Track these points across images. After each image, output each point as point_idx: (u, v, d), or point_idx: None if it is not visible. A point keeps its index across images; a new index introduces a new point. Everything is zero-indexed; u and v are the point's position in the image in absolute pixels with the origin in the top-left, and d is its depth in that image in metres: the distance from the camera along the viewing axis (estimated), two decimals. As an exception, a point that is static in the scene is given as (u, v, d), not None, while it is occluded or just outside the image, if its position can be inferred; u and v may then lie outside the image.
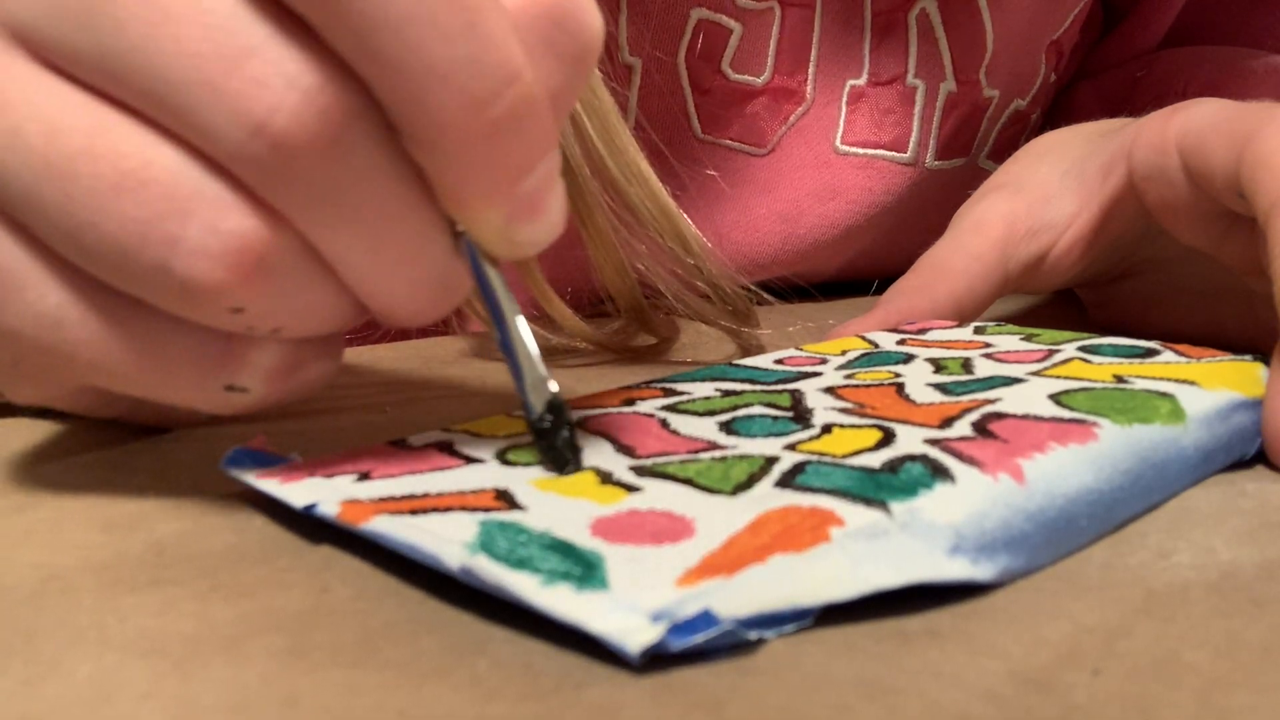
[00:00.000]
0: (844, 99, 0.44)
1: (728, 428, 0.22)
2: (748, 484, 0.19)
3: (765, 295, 0.38)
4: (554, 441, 0.20)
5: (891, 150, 0.45)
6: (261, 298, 0.18)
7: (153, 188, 0.17)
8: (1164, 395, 0.23)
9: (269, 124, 0.17)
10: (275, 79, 0.17)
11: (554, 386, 0.20)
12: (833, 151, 0.44)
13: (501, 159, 0.18)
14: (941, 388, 0.24)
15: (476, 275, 0.20)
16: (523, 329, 0.20)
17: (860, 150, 0.45)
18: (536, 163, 0.18)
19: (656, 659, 0.15)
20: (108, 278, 0.18)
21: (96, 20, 0.17)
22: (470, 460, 0.20)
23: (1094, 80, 0.54)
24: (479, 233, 0.19)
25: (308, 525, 0.20)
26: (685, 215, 0.34)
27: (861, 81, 0.44)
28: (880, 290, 0.34)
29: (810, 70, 0.43)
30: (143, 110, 0.17)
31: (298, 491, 0.19)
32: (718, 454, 0.20)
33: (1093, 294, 0.38)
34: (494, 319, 0.20)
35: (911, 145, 0.45)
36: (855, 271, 0.47)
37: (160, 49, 0.17)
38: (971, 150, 0.48)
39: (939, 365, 0.26)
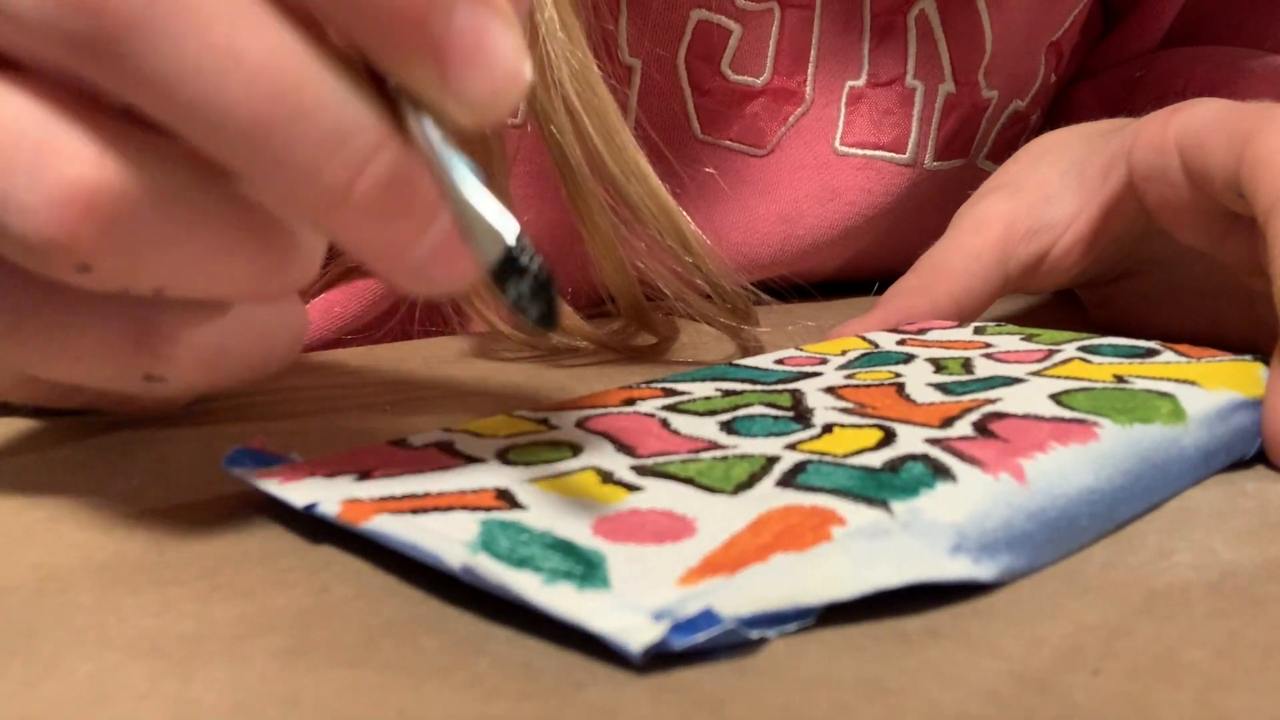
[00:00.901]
0: (843, 100, 0.44)
1: (728, 427, 0.22)
2: (749, 483, 0.19)
3: (764, 295, 0.38)
4: (518, 291, 0.16)
5: (890, 151, 0.45)
6: (108, 253, 0.16)
7: None
8: (1164, 395, 0.23)
9: None
10: None
11: (512, 228, 0.16)
12: (832, 153, 0.44)
13: None
14: (942, 388, 0.24)
15: (422, 140, 0.16)
16: (468, 173, 0.16)
17: (859, 151, 0.45)
18: None
19: (657, 658, 0.15)
20: None
21: None
22: (471, 460, 0.20)
23: (1093, 80, 0.54)
24: (417, 95, 0.16)
25: (308, 525, 0.20)
26: (685, 214, 0.34)
27: (861, 82, 0.44)
28: (880, 290, 0.34)
29: (809, 71, 0.43)
30: None
31: (298, 491, 0.19)
32: (719, 454, 0.20)
33: (1093, 294, 0.38)
34: (436, 169, 0.17)
35: (910, 146, 0.45)
36: (854, 271, 0.47)
37: None
38: (970, 151, 0.48)
39: (939, 365, 0.26)
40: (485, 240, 0.16)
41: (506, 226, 0.16)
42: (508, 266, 0.16)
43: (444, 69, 0.16)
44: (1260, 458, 0.23)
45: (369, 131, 0.15)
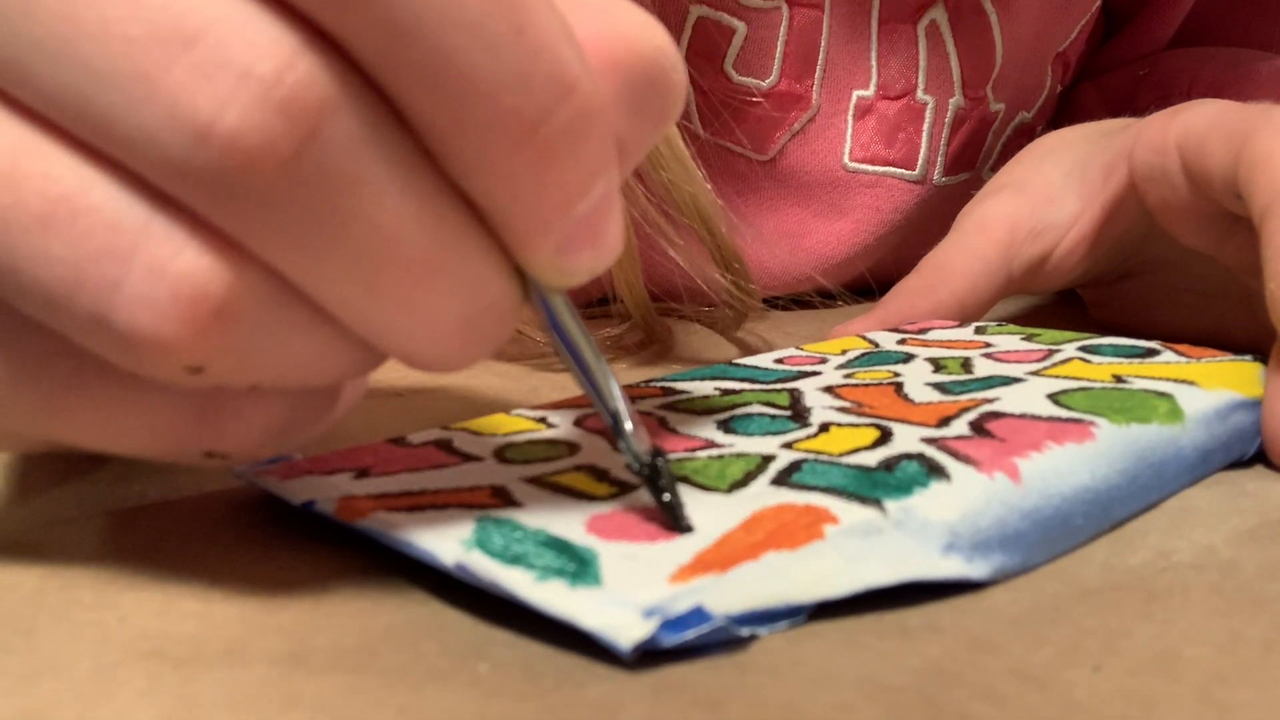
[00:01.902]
0: (851, 111, 0.43)
1: (725, 426, 0.22)
2: (744, 482, 0.19)
3: (770, 311, 0.38)
4: (660, 495, 0.17)
5: (900, 167, 0.44)
6: (225, 354, 0.15)
7: (87, 220, 0.14)
8: (1162, 395, 0.22)
9: (216, 126, 0.13)
10: (225, 66, 0.13)
11: (645, 444, 0.18)
12: (841, 168, 0.44)
13: (554, 182, 0.15)
14: (940, 387, 0.24)
15: (547, 315, 0.17)
16: (604, 384, 0.17)
17: (869, 167, 0.44)
18: (593, 185, 0.15)
19: (656, 657, 0.15)
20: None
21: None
22: (469, 458, 0.20)
23: (1097, 80, 0.54)
24: (525, 263, 0.16)
25: (308, 522, 0.20)
26: (710, 188, 0.33)
27: (869, 93, 0.43)
28: (883, 292, 0.34)
29: (817, 76, 0.43)
30: (62, 123, 0.14)
31: (296, 488, 0.19)
32: (715, 452, 0.20)
33: (1094, 293, 0.38)
34: (577, 368, 0.17)
35: (920, 162, 0.45)
36: (859, 283, 0.47)
37: (80, 33, 0.13)
38: (977, 164, 0.47)
39: (938, 365, 0.26)
40: (633, 442, 0.17)
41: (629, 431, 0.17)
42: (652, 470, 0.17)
43: (563, 248, 0.16)
44: (1260, 458, 0.23)
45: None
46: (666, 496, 0.17)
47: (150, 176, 0.14)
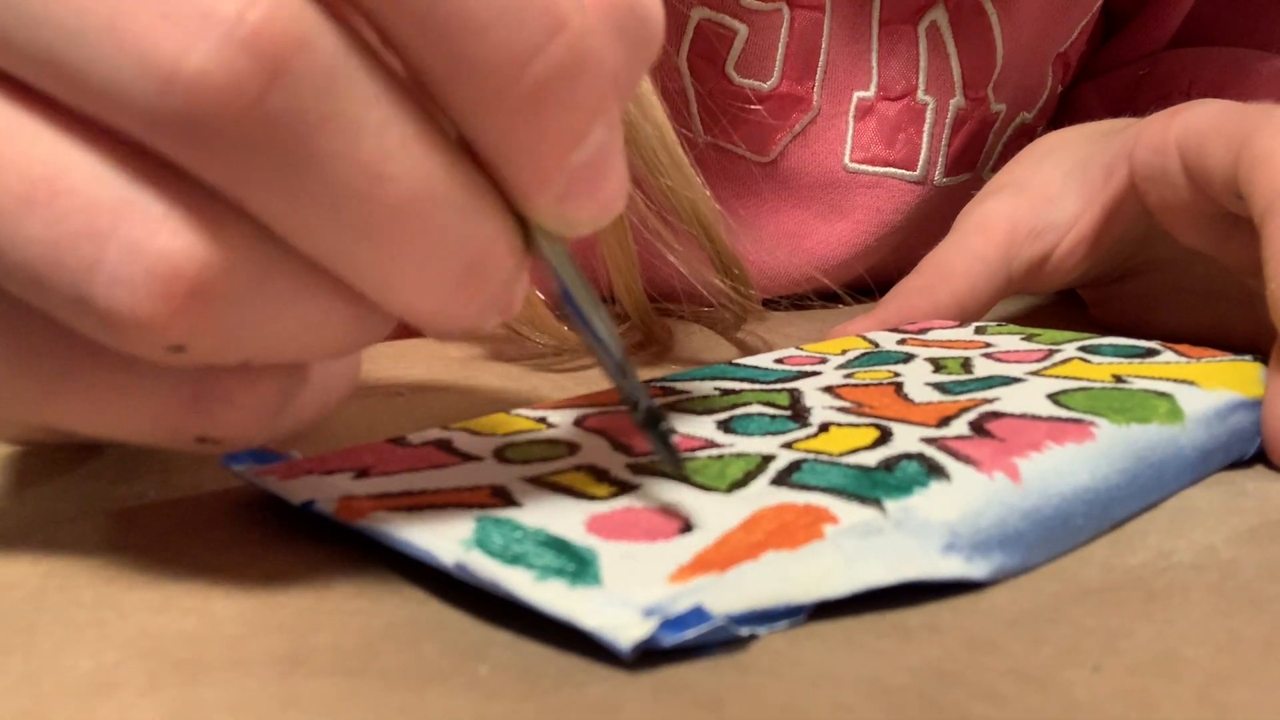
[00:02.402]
0: (851, 112, 0.43)
1: (725, 426, 0.22)
2: (743, 482, 0.19)
3: (764, 312, 0.38)
4: (662, 440, 0.18)
5: (901, 168, 0.44)
6: (206, 332, 0.14)
7: (66, 200, 0.14)
8: (1162, 395, 0.22)
9: (181, 68, 0.13)
10: (188, 7, 0.13)
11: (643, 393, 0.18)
12: (841, 169, 0.44)
13: (551, 124, 0.15)
14: (940, 387, 0.24)
15: (548, 266, 0.17)
16: (603, 334, 0.17)
17: (870, 168, 0.44)
18: (590, 128, 0.15)
19: (656, 658, 0.15)
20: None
21: None
22: (469, 457, 0.20)
23: (1097, 80, 0.54)
24: (527, 211, 0.16)
25: (308, 522, 0.20)
26: (706, 188, 0.33)
27: (870, 94, 0.43)
28: (883, 292, 0.34)
29: (818, 77, 0.42)
30: (38, 84, 0.14)
31: (296, 488, 0.19)
32: (714, 452, 0.20)
33: (1094, 293, 0.38)
34: (577, 317, 0.17)
35: (921, 163, 0.45)
36: (860, 284, 0.47)
37: None
38: (978, 165, 0.47)
39: (939, 365, 0.26)
40: (634, 390, 0.17)
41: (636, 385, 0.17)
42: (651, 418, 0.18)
43: (565, 196, 0.15)
44: (1260, 458, 0.23)
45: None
46: (672, 438, 0.17)
47: (126, 130, 0.14)
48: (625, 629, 0.14)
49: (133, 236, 0.14)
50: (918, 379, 0.25)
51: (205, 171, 0.14)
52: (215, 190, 0.14)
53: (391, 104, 0.14)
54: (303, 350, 0.16)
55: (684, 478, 0.17)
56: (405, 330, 0.39)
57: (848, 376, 0.26)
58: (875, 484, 0.18)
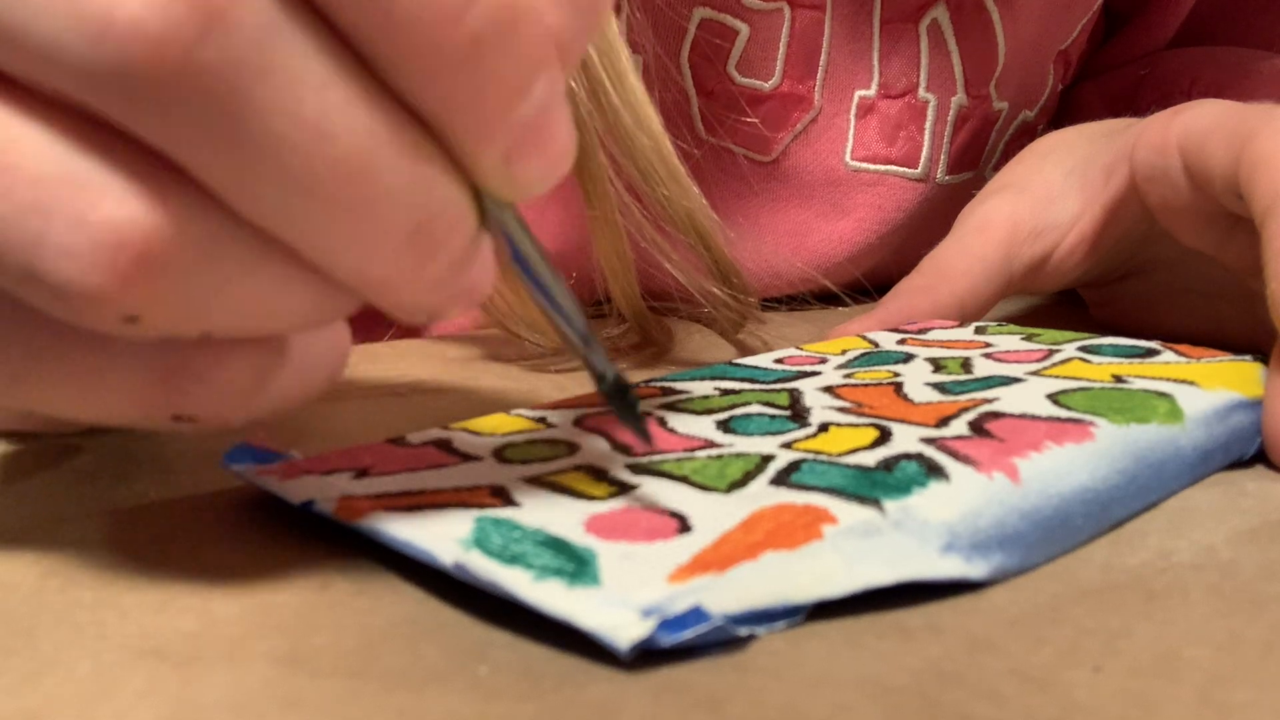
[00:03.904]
0: (853, 111, 0.43)
1: (725, 426, 0.22)
2: (743, 482, 0.19)
3: (763, 316, 0.38)
4: (628, 410, 0.18)
5: (902, 166, 0.44)
6: (157, 302, 0.14)
7: (11, 175, 0.14)
8: (1162, 395, 0.22)
9: (115, 16, 0.13)
10: None
11: (600, 356, 0.18)
12: (843, 167, 0.44)
13: (489, 80, 0.14)
14: (940, 387, 0.24)
15: (502, 236, 0.16)
16: (558, 295, 0.17)
17: (871, 166, 0.44)
18: (531, 82, 0.15)
19: (656, 658, 0.15)
20: None
21: None
22: (468, 457, 0.20)
23: (1098, 80, 0.54)
24: (473, 174, 0.16)
25: (308, 522, 0.20)
26: (698, 189, 0.33)
27: (871, 93, 0.43)
28: (884, 292, 0.34)
29: (819, 76, 0.42)
30: None
31: (295, 488, 0.19)
32: (714, 452, 0.20)
33: (1095, 293, 0.38)
34: (536, 289, 0.17)
35: (923, 161, 0.45)
36: (861, 283, 0.47)
37: None
38: (980, 163, 0.47)
39: (938, 365, 0.26)
40: (599, 361, 0.18)
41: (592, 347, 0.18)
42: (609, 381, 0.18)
43: (510, 155, 0.15)
44: (1260, 458, 0.23)
45: (455, 225, 0.15)
46: (639, 407, 0.18)
47: (65, 91, 0.13)
48: (624, 629, 0.14)
49: (77, 208, 0.14)
50: (917, 379, 0.25)
51: (144, 129, 0.14)
52: (161, 157, 0.14)
53: (333, 61, 0.14)
54: (263, 322, 0.15)
55: (651, 449, 0.17)
56: (405, 330, 0.39)
57: (847, 376, 0.26)
58: (874, 484, 0.18)
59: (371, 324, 0.38)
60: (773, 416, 0.22)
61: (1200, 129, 0.28)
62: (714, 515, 0.17)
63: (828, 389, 0.24)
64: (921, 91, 0.44)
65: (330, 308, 0.16)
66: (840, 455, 0.20)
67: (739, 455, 0.20)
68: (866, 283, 0.44)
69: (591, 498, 0.18)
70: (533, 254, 0.17)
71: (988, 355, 0.27)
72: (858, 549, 0.17)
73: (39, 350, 0.16)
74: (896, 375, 0.25)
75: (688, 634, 0.15)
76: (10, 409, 0.17)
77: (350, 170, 0.14)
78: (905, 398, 0.23)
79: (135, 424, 0.17)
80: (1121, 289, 0.37)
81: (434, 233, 0.15)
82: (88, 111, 0.14)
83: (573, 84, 0.30)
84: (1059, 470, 0.19)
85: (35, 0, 0.13)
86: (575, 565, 0.16)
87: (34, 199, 0.14)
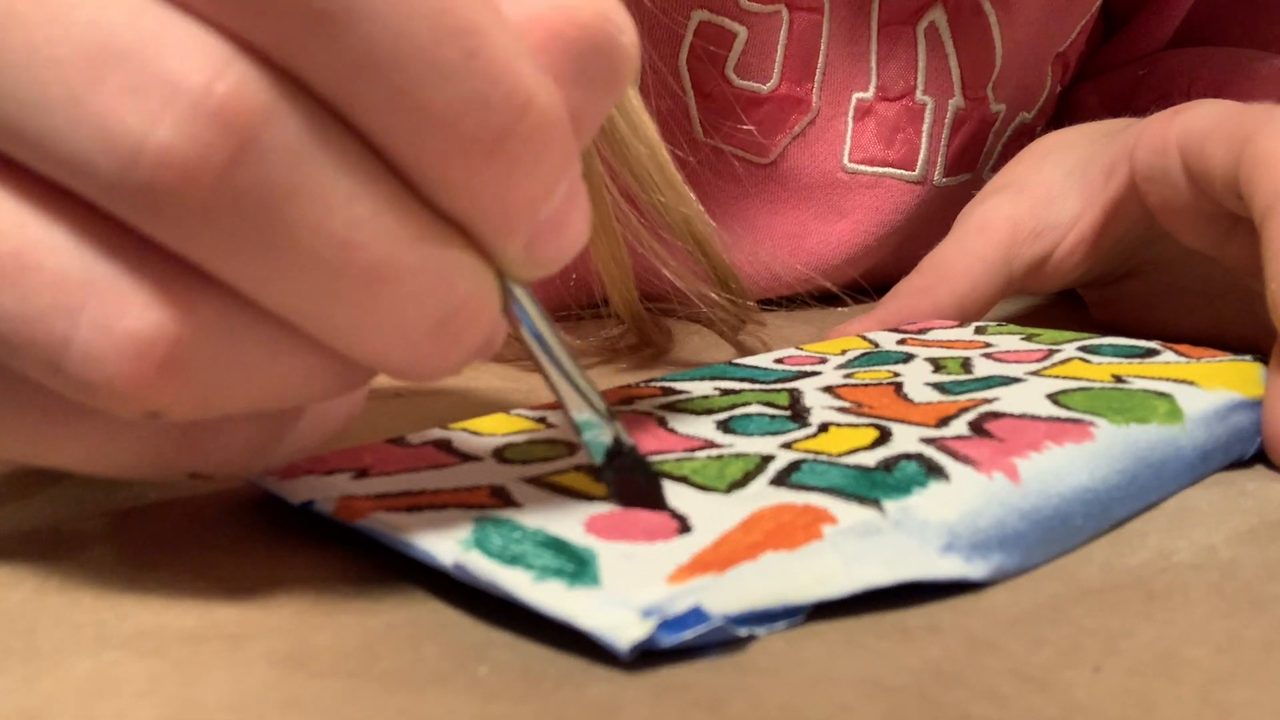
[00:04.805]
0: (850, 113, 0.43)
1: (725, 426, 0.22)
2: (743, 482, 0.19)
3: (762, 317, 0.38)
4: (626, 488, 0.18)
5: (900, 168, 0.44)
6: (179, 400, 0.14)
7: (36, 276, 0.14)
8: (1162, 395, 0.22)
9: (147, 143, 0.13)
10: (155, 82, 0.13)
11: (606, 432, 0.18)
12: (840, 169, 0.44)
13: (518, 192, 0.15)
14: (940, 387, 0.24)
15: (520, 318, 0.17)
16: (573, 375, 0.17)
17: (868, 168, 0.44)
18: (557, 185, 0.15)
19: (656, 658, 0.15)
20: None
21: None
22: (468, 458, 0.20)
23: (1096, 80, 0.54)
24: (498, 263, 0.16)
25: (308, 522, 0.20)
26: (691, 192, 0.33)
27: (868, 95, 0.43)
28: (883, 293, 0.34)
29: (817, 79, 0.42)
30: (4, 151, 0.14)
31: (295, 488, 0.19)
32: (714, 452, 0.20)
33: (1095, 293, 0.38)
34: (543, 364, 0.17)
35: (920, 163, 0.45)
36: (859, 285, 0.47)
37: (7, 60, 0.13)
38: (978, 165, 0.47)
39: (938, 365, 0.26)
40: (593, 435, 0.17)
41: (607, 420, 0.17)
42: (613, 461, 0.18)
43: (532, 245, 0.16)
44: (1260, 458, 0.23)
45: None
46: (645, 484, 0.18)
47: (92, 200, 0.14)
48: (624, 629, 0.14)
49: (102, 313, 0.14)
50: (917, 379, 0.25)
51: (173, 242, 0.14)
52: (184, 258, 0.14)
53: (360, 172, 0.14)
54: (282, 402, 0.16)
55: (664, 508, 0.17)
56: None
57: (847, 376, 0.26)
58: (874, 484, 0.18)
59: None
60: (773, 417, 0.22)
61: (1200, 129, 0.28)
62: (714, 515, 0.17)
63: (828, 389, 0.24)
64: (919, 94, 0.44)
65: (351, 383, 0.16)
66: (840, 455, 0.20)
67: (739, 455, 0.20)
68: (865, 283, 0.44)
69: (591, 498, 0.18)
70: (545, 327, 0.17)
71: (988, 355, 0.27)
72: (858, 549, 0.17)
73: (55, 416, 0.16)
74: (896, 375, 0.25)
75: (688, 634, 0.15)
76: (21, 463, 0.17)
77: (378, 275, 0.14)
78: (905, 398, 0.23)
79: (151, 479, 0.17)
80: (1121, 289, 0.37)
81: (459, 322, 0.15)
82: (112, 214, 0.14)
83: None
84: (1059, 470, 0.19)
85: (62, 116, 0.13)
86: (575, 566, 0.16)
87: (58, 302, 0.14)
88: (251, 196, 0.13)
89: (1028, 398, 0.23)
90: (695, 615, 0.15)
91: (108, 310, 0.14)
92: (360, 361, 0.15)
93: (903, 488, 0.18)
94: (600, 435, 0.18)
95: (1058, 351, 0.27)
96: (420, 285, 0.15)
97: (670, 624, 0.15)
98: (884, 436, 0.21)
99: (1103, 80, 0.53)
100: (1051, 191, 0.34)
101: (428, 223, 0.15)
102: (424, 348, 0.15)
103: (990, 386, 0.24)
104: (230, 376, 0.15)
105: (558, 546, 0.16)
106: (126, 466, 0.16)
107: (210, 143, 0.13)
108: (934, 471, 0.18)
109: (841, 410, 0.23)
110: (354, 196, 0.14)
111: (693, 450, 0.20)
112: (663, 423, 0.22)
